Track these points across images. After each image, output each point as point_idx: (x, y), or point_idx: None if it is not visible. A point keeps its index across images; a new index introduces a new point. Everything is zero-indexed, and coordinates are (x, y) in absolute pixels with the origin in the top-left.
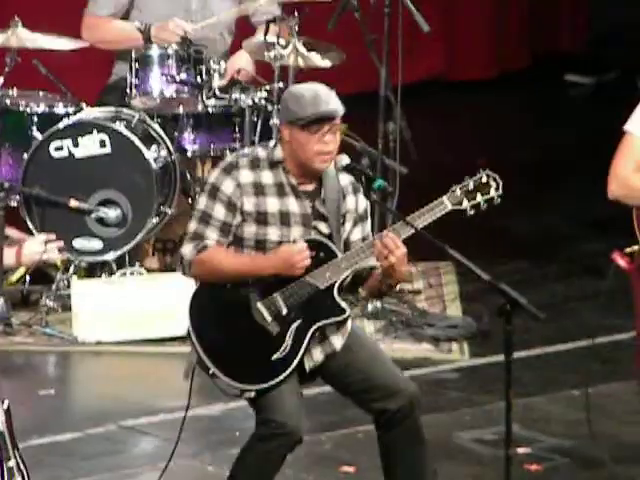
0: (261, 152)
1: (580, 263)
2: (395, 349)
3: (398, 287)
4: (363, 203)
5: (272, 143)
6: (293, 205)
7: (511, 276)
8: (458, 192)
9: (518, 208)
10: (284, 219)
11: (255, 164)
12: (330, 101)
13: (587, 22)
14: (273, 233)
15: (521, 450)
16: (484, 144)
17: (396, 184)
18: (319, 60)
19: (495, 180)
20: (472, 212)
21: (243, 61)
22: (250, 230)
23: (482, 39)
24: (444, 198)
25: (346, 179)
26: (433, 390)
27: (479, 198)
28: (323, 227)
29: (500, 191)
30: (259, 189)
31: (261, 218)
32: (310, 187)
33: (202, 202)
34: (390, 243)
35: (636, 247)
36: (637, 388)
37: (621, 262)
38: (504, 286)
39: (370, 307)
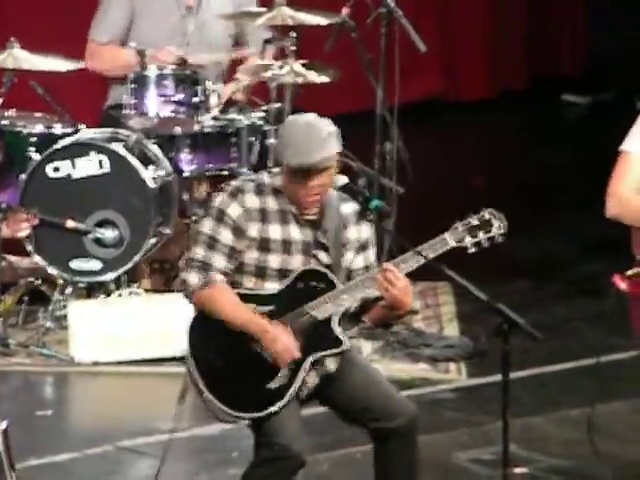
0: (266, 178)
1: (579, 284)
2: (392, 369)
3: (403, 319)
4: (366, 232)
5: (275, 170)
6: (295, 233)
7: (510, 297)
8: (460, 229)
9: (516, 229)
10: (286, 247)
11: (260, 190)
12: (323, 149)
13: (585, 43)
14: (274, 260)
15: (519, 470)
16: (482, 164)
17: (393, 204)
18: (316, 77)
19: (498, 218)
20: (473, 249)
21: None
22: (251, 256)
23: (480, 59)
24: (446, 235)
25: (349, 208)
26: (430, 410)
27: (481, 236)
28: (324, 257)
29: (503, 230)
30: (264, 215)
31: (264, 245)
32: (312, 216)
33: (207, 226)
34: (391, 276)
35: (637, 269)
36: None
37: (622, 285)
38: (501, 306)
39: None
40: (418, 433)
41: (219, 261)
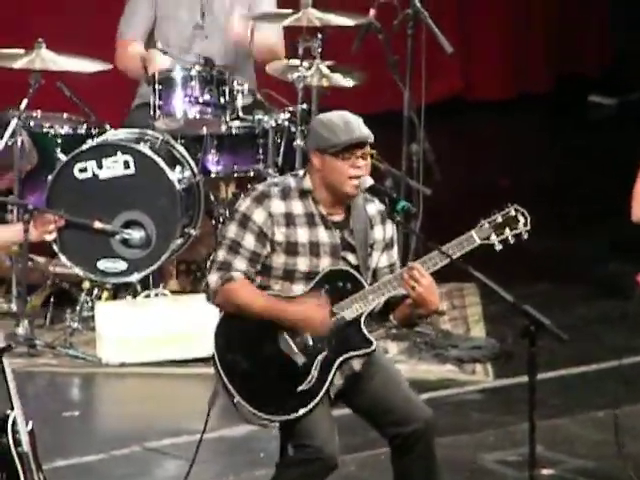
0: (292, 181)
1: (602, 285)
2: (419, 370)
3: (429, 320)
4: (390, 231)
5: (301, 172)
6: (323, 235)
7: (533, 298)
8: (487, 226)
9: (540, 230)
10: (314, 249)
11: (286, 194)
12: (361, 127)
13: (610, 43)
14: (302, 263)
15: (545, 472)
16: (505, 165)
17: (420, 205)
18: (342, 80)
19: (524, 215)
20: (500, 247)
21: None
22: (279, 260)
23: (500, 60)
24: (472, 233)
25: (373, 209)
26: (457, 411)
27: (507, 233)
28: (351, 258)
29: (528, 226)
30: (290, 219)
31: (291, 248)
32: (339, 217)
33: (232, 231)
34: (416, 274)
35: None
36: None
37: None
38: (528, 308)
39: (394, 328)
40: (435, 437)
41: (240, 264)
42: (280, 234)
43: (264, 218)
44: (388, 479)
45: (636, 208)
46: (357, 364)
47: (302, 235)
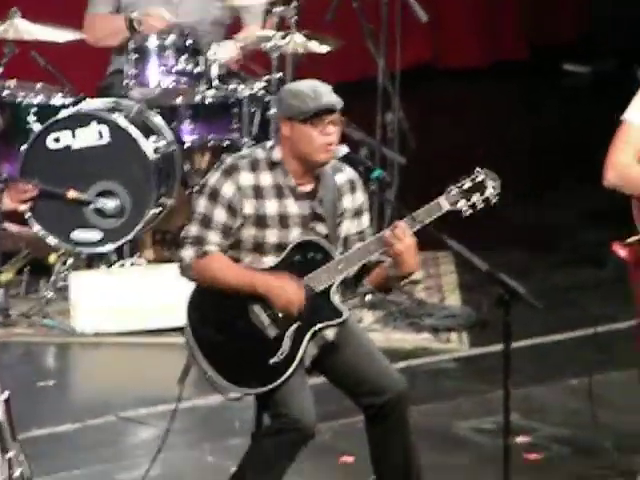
0: (260, 153)
1: (579, 253)
2: (394, 339)
3: (405, 281)
4: (360, 199)
5: (270, 143)
6: (292, 207)
7: (511, 266)
8: (455, 192)
9: (517, 198)
10: (283, 221)
11: (255, 166)
12: (330, 94)
13: (585, 9)
14: (272, 235)
15: (520, 439)
16: (480, 133)
17: (394, 174)
18: (317, 46)
19: (492, 179)
20: (469, 213)
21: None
22: (249, 233)
23: (473, 27)
24: (441, 199)
25: (342, 178)
26: (432, 380)
27: (475, 198)
28: (321, 228)
29: (497, 190)
30: (259, 192)
31: (260, 221)
32: (308, 188)
33: (202, 205)
34: (399, 232)
35: (636, 237)
36: (637, 376)
37: (621, 252)
38: (502, 276)
39: (369, 297)
40: (409, 407)
41: (213, 237)
42: (249, 207)
43: (233, 191)
44: (363, 447)
45: (610, 174)
46: (331, 334)
47: (271, 207)
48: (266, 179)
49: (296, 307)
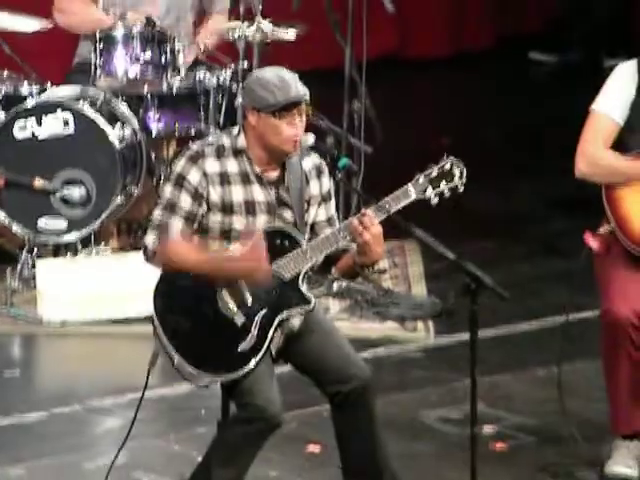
0: (225, 140)
1: (546, 243)
2: (360, 328)
3: (372, 269)
4: (326, 185)
5: (235, 130)
6: (258, 193)
7: (478, 256)
8: (422, 180)
9: (482, 188)
10: (249, 208)
11: (220, 153)
12: (297, 86)
13: (552, 1)
14: (238, 222)
15: (487, 428)
16: (446, 123)
17: (361, 163)
18: (283, 33)
19: (459, 167)
20: (436, 200)
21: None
22: (215, 219)
23: (437, 16)
24: (408, 186)
25: (309, 163)
26: (398, 369)
27: (443, 186)
28: (288, 215)
29: (464, 179)
30: (225, 178)
31: (227, 207)
32: (274, 175)
33: (168, 191)
34: (367, 220)
35: (607, 227)
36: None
37: (592, 243)
38: (469, 265)
39: (335, 286)
40: (375, 396)
41: (177, 223)
42: (215, 193)
43: (199, 178)
44: (329, 436)
45: (580, 164)
46: (297, 322)
47: (237, 194)
48: (232, 166)
49: (263, 273)
